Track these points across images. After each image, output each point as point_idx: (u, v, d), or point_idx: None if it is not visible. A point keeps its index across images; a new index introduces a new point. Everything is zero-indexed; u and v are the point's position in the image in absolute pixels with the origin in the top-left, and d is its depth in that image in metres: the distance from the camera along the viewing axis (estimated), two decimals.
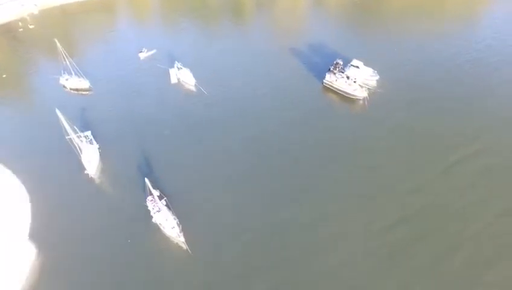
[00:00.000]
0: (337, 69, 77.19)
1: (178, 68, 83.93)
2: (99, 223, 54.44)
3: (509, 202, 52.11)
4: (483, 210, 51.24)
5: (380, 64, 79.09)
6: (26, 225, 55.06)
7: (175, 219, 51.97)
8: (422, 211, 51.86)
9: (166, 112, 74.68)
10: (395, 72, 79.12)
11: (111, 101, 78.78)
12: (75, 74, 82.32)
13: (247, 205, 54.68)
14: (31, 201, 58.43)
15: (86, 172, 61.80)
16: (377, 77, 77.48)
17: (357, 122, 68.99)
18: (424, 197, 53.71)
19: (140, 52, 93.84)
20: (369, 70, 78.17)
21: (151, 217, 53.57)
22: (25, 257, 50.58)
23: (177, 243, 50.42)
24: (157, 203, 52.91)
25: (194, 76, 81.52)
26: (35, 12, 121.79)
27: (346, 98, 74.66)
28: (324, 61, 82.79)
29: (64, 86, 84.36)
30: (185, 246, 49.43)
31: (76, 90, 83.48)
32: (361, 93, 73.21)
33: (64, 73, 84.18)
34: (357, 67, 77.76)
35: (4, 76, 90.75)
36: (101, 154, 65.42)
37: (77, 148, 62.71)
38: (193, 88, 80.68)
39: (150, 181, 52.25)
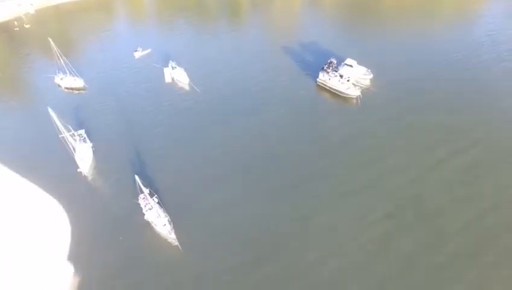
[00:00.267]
0: (331, 68, 77.54)
1: (172, 67, 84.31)
2: (92, 220, 54.59)
3: (497, 197, 52.51)
4: (471, 204, 51.67)
5: (373, 64, 79.32)
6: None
7: (166, 217, 52.15)
8: (411, 205, 52.28)
9: (160, 111, 74.89)
10: (388, 71, 79.39)
11: (105, 100, 79.00)
12: (70, 73, 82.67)
13: (238, 202, 54.84)
14: None
15: (79, 170, 62.02)
16: (371, 76, 77.80)
17: (349, 120, 69.19)
18: (414, 191, 54.23)
19: (136, 51, 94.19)
20: (363, 69, 78.51)
21: (144, 214, 53.78)
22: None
23: (168, 240, 50.59)
24: (148, 200, 53.14)
25: (188, 75, 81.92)
26: (32, 11, 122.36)
27: (340, 97, 74.92)
28: (318, 60, 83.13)
29: (59, 85, 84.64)
30: (175, 243, 49.69)
31: (71, 89, 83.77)
32: (354, 92, 73.52)
33: (59, 72, 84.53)
34: (351, 66, 78.13)
35: None
36: (94, 153, 65.68)
37: (70, 146, 62.93)
38: (187, 87, 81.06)
39: (143, 179, 52.43)
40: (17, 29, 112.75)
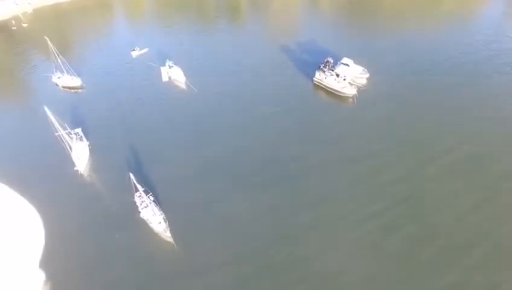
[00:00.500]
0: (328, 67, 77.79)
1: (169, 66, 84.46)
2: (88, 218, 54.77)
3: (486, 192, 53.33)
4: (460, 200, 52.37)
5: (370, 63, 79.53)
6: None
7: (161, 215, 52.41)
8: (401, 201, 52.93)
9: (156, 109, 75.13)
10: (385, 71, 79.62)
11: (102, 99, 79.17)
12: (67, 72, 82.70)
13: (233, 200, 55.00)
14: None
15: (75, 168, 62.22)
16: (367, 75, 78.02)
17: (344, 118, 69.59)
18: (405, 187, 54.91)
19: (133, 50, 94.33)
20: (359, 68, 78.70)
21: (139, 212, 53.98)
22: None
23: (163, 238, 50.84)
24: (144, 198, 53.33)
25: (185, 74, 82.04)
26: (30, 10, 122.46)
27: (336, 96, 75.17)
28: (315, 59, 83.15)
29: (56, 84, 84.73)
30: (170, 241, 49.93)
31: (69, 88, 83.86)
32: (350, 91, 73.75)
33: (56, 71, 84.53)
34: (347, 65, 78.40)
35: None
36: (90, 151, 65.87)
37: (67, 145, 63.08)
38: (183, 86, 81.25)
39: (139, 177, 52.61)
40: (15, 28, 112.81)
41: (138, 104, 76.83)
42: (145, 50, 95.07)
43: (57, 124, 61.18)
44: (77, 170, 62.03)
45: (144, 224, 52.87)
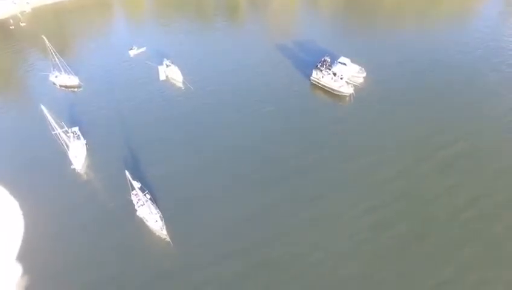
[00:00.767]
0: (325, 66, 77.93)
1: (167, 65, 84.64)
2: (85, 217, 54.82)
3: (480, 189, 53.66)
4: (454, 197, 52.63)
5: (367, 62, 79.82)
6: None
7: (158, 213, 52.52)
8: (397, 198, 53.23)
9: (153, 108, 75.25)
10: (382, 70, 79.88)
11: (99, 98, 79.30)
12: (65, 71, 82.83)
13: (230, 198, 55.22)
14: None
15: (72, 167, 62.32)
16: (364, 74, 78.17)
17: (341, 117, 69.83)
18: (400, 184, 55.20)
19: (131, 49, 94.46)
20: (356, 67, 78.89)
21: (136, 210, 54.08)
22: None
23: (160, 236, 50.96)
24: (140, 197, 53.42)
25: (182, 73, 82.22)
26: (28, 10, 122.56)
27: (333, 95, 75.31)
28: (313, 59, 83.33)
29: (54, 83, 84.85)
30: (167, 239, 50.05)
31: (66, 87, 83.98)
32: (347, 90, 73.88)
33: (54, 70, 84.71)
34: (344, 64, 78.54)
35: None
36: (88, 150, 65.96)
37: (64, 143, 63.18)
38: (181, 84, 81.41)
39: (136, 175, 52.76)
40: (13, 27, 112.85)
41: (135, 103, 76.96)
42: (143, 49, 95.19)
43: (54, 123, 61.24)
44: (74, 168, 62.17)
45: (140, 222, 53.01)
